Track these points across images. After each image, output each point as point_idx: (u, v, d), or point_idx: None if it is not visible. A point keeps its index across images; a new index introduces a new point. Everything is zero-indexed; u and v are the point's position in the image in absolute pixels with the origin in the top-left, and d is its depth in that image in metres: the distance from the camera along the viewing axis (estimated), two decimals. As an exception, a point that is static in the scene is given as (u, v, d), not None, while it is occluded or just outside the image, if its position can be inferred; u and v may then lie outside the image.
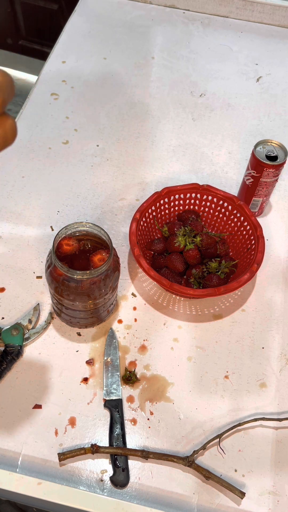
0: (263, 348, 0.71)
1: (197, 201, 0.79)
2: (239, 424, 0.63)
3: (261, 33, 1.21)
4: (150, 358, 0.69)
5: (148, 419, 0.65)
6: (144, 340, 0.71)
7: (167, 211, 0.79)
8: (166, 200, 0.78)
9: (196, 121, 1.01)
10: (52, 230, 0.81)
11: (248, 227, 0.75)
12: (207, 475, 0.59)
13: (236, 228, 0.77)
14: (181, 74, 1.09)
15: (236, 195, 0.84)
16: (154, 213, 0.77)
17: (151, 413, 0.65)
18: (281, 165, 0.76)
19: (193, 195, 0.79)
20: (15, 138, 0.37)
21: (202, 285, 0.72)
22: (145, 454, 0.60)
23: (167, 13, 1.23)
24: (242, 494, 0.58)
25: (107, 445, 0.62)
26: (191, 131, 0.99)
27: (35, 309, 0.71)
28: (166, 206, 0.79)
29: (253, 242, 0.74)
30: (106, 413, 0.64)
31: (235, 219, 0.77)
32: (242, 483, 0.61)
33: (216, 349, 0.71)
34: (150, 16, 1.22)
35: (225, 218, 0.79)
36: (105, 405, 0.65)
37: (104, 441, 0.62)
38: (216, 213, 0.79)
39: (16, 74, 2.21)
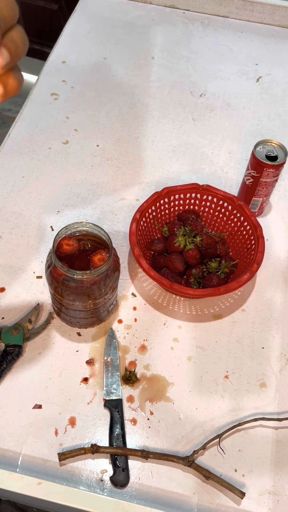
0: (263, 348, 0.71)
1: (197, 201, 0.79)
2: (239, 424, 0.63)
3: (261, 33, 1.21)
4: (150, 358, 0.69)
5: (148, 419, 0.65)
6: (144, 340, 0.71)
7: (167, 211, 0.79)
8: (166, 200, 0.78)
9: (196, 121, 1.01)
10: (52, 230, 0.81)
11: (248, 227, 0.75)
12: (207, 475, 0.59)
13: (236, 228, 0.77)
14: (181, 74, 1.09)
15: (236, 195, 0.84)
16: (154, 213, 0.77)
17: (151, 413, 0.65)
18: (281, 165, 0.76)
19: (193, 195, 0.79)
20: (17, 93, 0.37)
21: (202, 285, 0.72)
22: (145, 454, 0.60)
23: (167, 13, 1.23)
24: (242, 494, 0.58)
25: (107, 445, 0.62)
26: (191, 131, 0.99)
27: (35, 309, 0.71)
28: (166, 206, 0.79)
29: (253, 242, 0.74)
30: (106, 413, 0.64)
31: (235, 219, 0.77)
32: (242, 483, 0.61)
33: (216, 349, 0.71)
34: (150, 16, 1.22)
35: (225, 218, 0.79)
36: (105, 405, 0.65)
37: (104, 441, 0.62)
38: (216, 213, 0.79)
39: (16, 74, 2.21)
